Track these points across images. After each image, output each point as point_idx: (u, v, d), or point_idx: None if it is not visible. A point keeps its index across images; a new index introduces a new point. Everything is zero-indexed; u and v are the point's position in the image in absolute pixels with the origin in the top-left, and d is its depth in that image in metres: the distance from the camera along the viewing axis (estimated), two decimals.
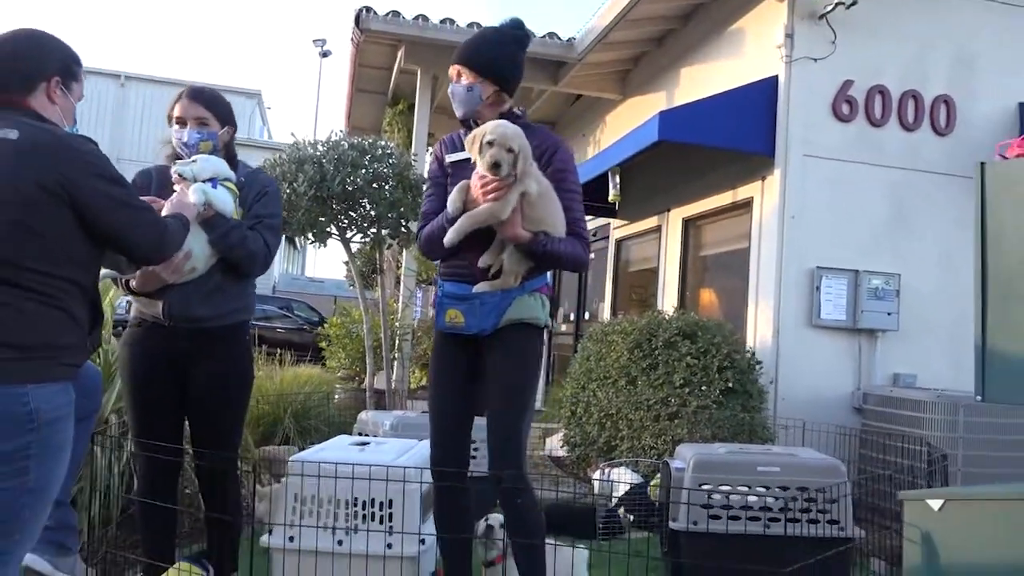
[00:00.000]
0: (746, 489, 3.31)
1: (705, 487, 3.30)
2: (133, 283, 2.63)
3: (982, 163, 1.76)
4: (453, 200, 2.59)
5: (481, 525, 2.90)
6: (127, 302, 2.98)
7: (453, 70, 2.72)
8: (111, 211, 2.02)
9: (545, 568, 2.58)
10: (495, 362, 2.61)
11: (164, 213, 2.46)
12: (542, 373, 10.07)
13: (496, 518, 2.88)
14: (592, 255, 10.18)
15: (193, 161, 2.65)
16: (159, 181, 2.82)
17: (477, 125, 2.67)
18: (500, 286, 2.58)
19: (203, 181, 2.62)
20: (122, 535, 3.42)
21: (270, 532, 2.83)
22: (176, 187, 2.65)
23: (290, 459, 2.83)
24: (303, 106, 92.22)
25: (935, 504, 1.72)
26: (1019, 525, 1.56)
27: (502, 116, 2.70)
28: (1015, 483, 1.66)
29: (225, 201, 2.66)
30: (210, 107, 2.80)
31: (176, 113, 2.78)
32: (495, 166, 2.47)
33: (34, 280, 1.93)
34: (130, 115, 30.67)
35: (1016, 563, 1.55)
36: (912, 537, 1.76)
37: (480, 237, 2.58)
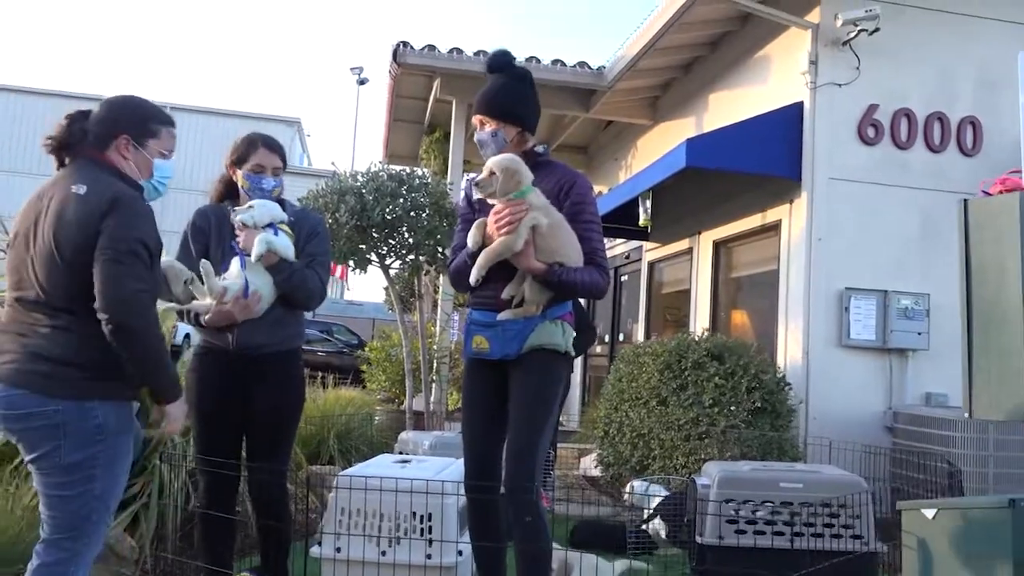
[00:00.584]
0: (770, 505, 3.43)
1: (730, 504, 3.43)
2: (204, 319, 2.89)
3: (964, 200, 1.93)
4: (472, 235, 2.83)
5: None
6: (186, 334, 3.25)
7: (476, 120, 2.94)
8: (102, 251, 2.22)
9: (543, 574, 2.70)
10: (516, 385, 2.78)
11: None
12: (578, 394, 10.23)
13: None
14: (625, 277, 10.35)
15: (250, 207, 2.91)
16: (217, 220, 3.10)
17: None
18: (522, 314, 2.76)
19: (263, 227, 2.88)
20: (183, 546, 3.66)
21: (319, 543, 3.05)
22: (239, 233, 2.92)
23: (338, 475, 3.05)
24: (341, 132, 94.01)
25: (929, 513, 1.86)
26: (996, 529, 1.71)
27: (524, 155, 2.90)
28: (1005, 494, 1.80)
29: (287, 247, 2.95)
30: (282, 157, 3.14)
31: (257, 161, 3.05)
32: (477, 185, 2.77)
33: (92, 311, 2.21)
34: (176, 144, 31.69)
35: (993, 561, 1.70)
36: (909, 543, 1.91)
37: (504, 268, 2.77)
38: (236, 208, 2.97)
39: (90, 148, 2.37)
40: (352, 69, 31.36)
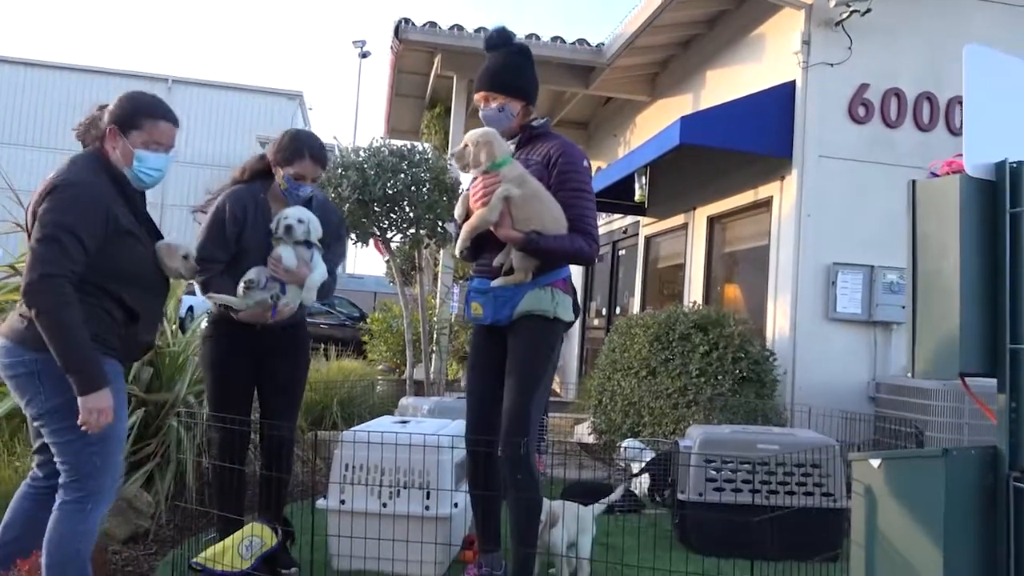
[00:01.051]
0: (748, 465, 3.65)
1: (711, 463, 3.65)
2: (237, 315, 3.12)
3: (912, 180, 2.11)
4: (457, 208, 3.01)
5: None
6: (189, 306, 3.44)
7: (479, 96, 3.07)
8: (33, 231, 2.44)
9: (533, 529, 2.91)
10: (510, 350, 2.96)
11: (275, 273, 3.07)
12: (575, 366, 10.44)
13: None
14: (622, 251, 10.54)
15: (300, 221, 3.10)
16: (254, 206, 3.20)
17: (518, 144, 3.07)
18: (512, 281, 2.91)
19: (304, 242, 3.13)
20: (198, 501, 3.89)
21: (325, 496, 3.27)
22: (277, 270, 3.11)
23: (342, 433, 3.27)
24: (344, 106, 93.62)
25: (875, 463, 2.07)
26: (927, 477, 1.93)
27: (525, 127, 3.06)
28: (945, 447, 2.01)
29: (322, 273, 3.19)
30: (324, 166, 3.27)
31: (299, 170, 3.15)
32: (454, 157, 2.97)
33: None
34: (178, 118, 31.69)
35: (925, 505, 1.92)
36: (858, 490, 2.12)
37: (498, 238, 2.93)
38: (278, 236, 3.12)
39: (96, 138, 2.61)
40: (354, 42, 31.34)
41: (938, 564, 1.93)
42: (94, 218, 2.46)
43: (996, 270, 2.02)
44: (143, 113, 2.62)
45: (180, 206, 28.74)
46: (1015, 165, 2.04)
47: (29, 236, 2.50)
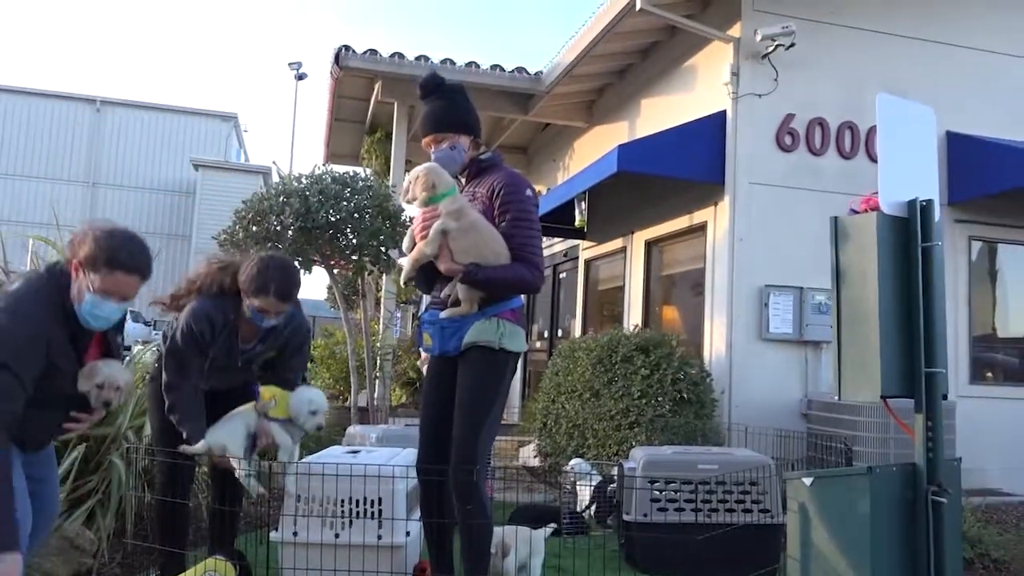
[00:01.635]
0: (690, 484, 3.79)
1: (654, 484, 3.78)
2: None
3: (835, 217, 2.29)
4: (404, 242, 3.09)
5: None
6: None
7: (427, 141, 3.13)
8: None
9: (484, 556, 2.94)
10: (459, 381, 3.00)
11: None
12: (518, 389, 10.49)
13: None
14: (563, 275, 10.71)
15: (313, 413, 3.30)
16: (222, 325, 3.19)
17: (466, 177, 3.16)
18: (458, 312, 2.97)
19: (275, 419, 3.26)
20: (140, 537, 3.83)
21: (276, 528, 3.28)
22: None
23: (292, 463, 3.28)
24: (279, 127, 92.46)
25: (807, 481, 2.22)
26: (854, 493, 2.08)
27: (473, 161, 3.14)
28: (867, 464, 2.17)
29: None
30: (292, 302, 3.22)
31: (263, 306, 3.11)
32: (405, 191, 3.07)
33: None
34: (106, 139, 30.93)
35: (853, 519, 2.07)
36: (792, 507, 2.26)
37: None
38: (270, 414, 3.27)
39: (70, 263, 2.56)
40: (290, 64, 31.03)
41: (867, 571, 2.07)
42: (26, 351, 2.38)
43: (911, 299, 2.20)
44: (106, 262, 2.49)
45: None
46: (924, 203, 2.23)
47: None
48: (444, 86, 3.18)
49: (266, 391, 3.28)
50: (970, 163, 6.71)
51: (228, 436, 3.17)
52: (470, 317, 2.98)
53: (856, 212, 2.28)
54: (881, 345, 2.10)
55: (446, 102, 3.15)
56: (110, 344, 2.72)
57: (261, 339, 3.28)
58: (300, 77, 31.52)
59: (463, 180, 3.19)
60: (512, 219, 2.98)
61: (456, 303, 3.00)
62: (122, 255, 2.51)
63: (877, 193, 2.24)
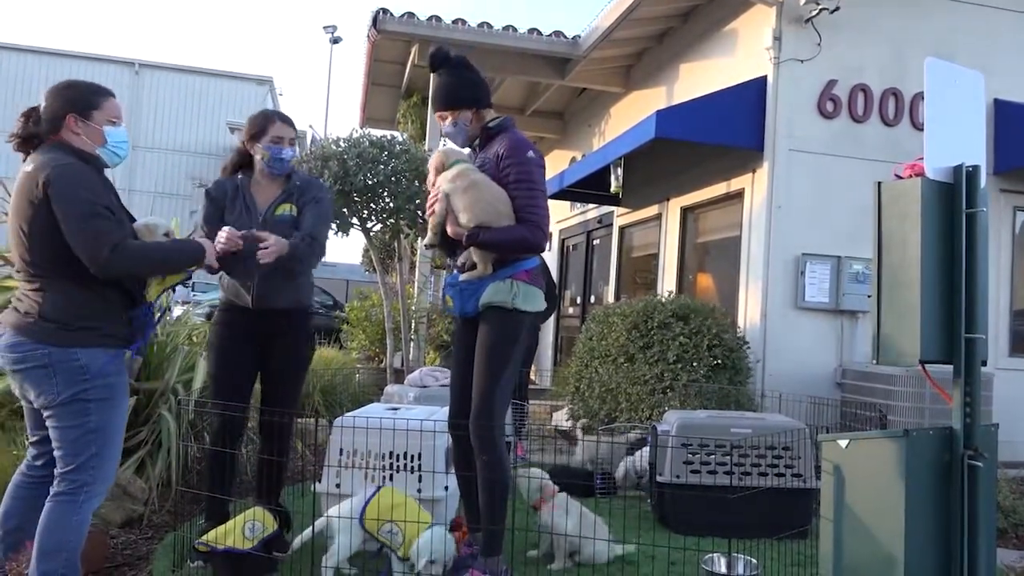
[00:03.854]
0: (722, 447, 3.84)
1: (687, 447, 3.83)
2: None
3: (878, 182, 2.28)
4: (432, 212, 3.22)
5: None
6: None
7: (437, 117, 3.31)
8: (60, 219, 2.52)
9: (499, 507, 3.06)
10: (477, 340, 3.14)
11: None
12: (550, 354, 10.60)
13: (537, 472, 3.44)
14: (596, 241, 10.71)
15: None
16: (232, 191, 3.38)
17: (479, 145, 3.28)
18: (474, 275, 3.13)
19: None
20: (187, 485, 3.99)
21: (319, 480, 3.39)
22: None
23: (341, 418, 3.40)
24: (314, 91, 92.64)
25: (843, 443, 2.25)
26: (889, 456, 2.11)
27: (484, 128, 3.24)
28: (906, 428, 2.19)
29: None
30: (294, 129, 3.45)
31: (275, 133, 3.33)
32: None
33: (54, 271, 2.55)
34: (144, 102, 31.25)
35: (888, 482, 2.10)
36: (827, 469, 2.29)
37: None
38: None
39: (46, 134, 2.65)
40: (325, 28, 31.05)
41: (900, 534, 2.11)
42: (100, 188, 2.61)
43: (953, 265, 2.20)
44: (95, 93, 2.72)
45: (148, 192, 28.46)
46: (971, 169, 2.22)
47: (22, 234, 2.55)
48: (449, 60, 3.27)
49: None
50: (1017, 132, 6.55)
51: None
52: (486, 279, 3.11)
53: (900, 178, 2.27)
54: (922, 310, 2.11)
55: (448, 78, 3.26)
56: None
57: (282, 199, 3.37)
58: (335, 41, 31.54)
59: (478, 149, 3.31)
60: (514, 181, 3.10)
61: (473, 267, 3.14)
62: (101, 86, 2.75)
63: (922, 159, 2.23)
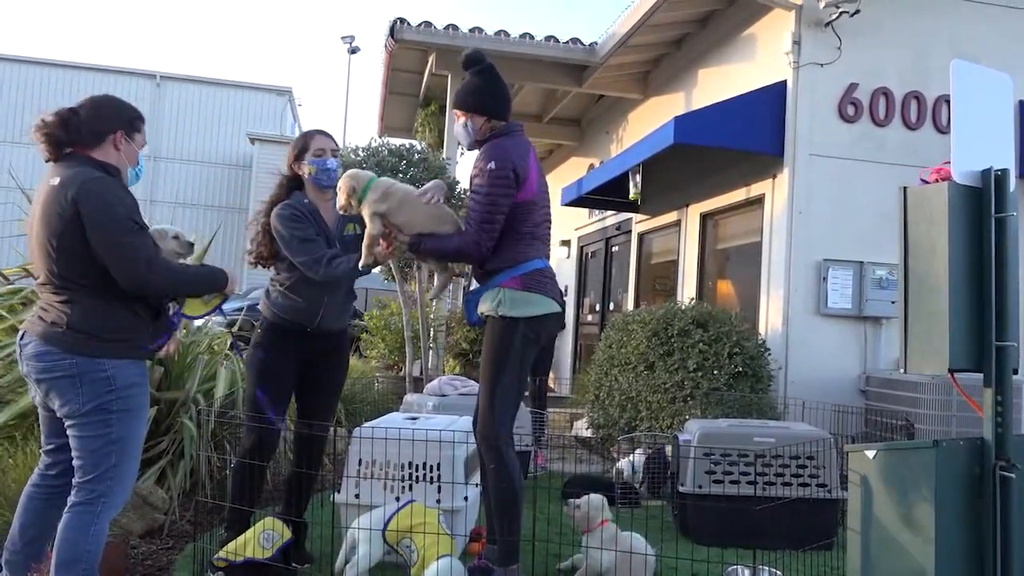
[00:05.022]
0: (745, 457, 3.78)
1: (709, 456, 3.78)
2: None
3: (904, 187, 2.24)
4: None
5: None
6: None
7: (454, 114, 3.34)
8: (94, 237, 2.53)
9: (510, 518, 3.03)
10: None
11: None
12: (569, 362, 10.53)
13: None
14: (615, 248, 10.67)
15: None
16: (309, 211, 3.36)
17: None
18: (439, 285, 3.47)
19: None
20: (210, 495, 3.99)
21: (337, 490, 3.38)
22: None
23: (361, 428, 3.39)
24: (333, 101, 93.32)
25: (870, 454, 2.20)
26: (919, 467, 2.06)
27: (489, 138, 3.22)
28: (931, 439, 2.14)
29: None
30: (334, 140, 3.48)
31: (318, 146, 3.36)
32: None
33: (85, 285, 2.56)
34: (166, 114, 31.57)
35: (917, 494, 2.05)
36: (854, 480, 2.25)
37: None
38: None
39: (83, 145, 2.65)
40: (343, 38, 31.24)
41: (930, 548, 2.06)
42: (133, 202, 2.66)
43: (982, 271, 2.15)
44: (140, 117, 2.80)
45: (169, 203, 28.71)
46: (999, 172, 2.17)
47: (50, 247, 2.54)
48: (478, 63, 3.29)
49: None
50: None
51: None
52: (480, 289, 3.21)
53: (926, 182, 2.23)
54: (950, 318, 2.06)
55: (472, 81, 3.29)
56: None
57: (346, 219, 3.44)
58: (353, 51, 31.73)
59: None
60: (471, 190, 3.18)
61: (480, 277, 3.23)
62: (138, 111, 2.81)
63: (948, 163, 2.19)
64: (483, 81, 3.26)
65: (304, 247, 3.22)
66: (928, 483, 2.08)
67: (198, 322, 5.47)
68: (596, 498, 3.33)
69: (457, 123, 3.31)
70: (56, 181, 2.57)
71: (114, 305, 2.60)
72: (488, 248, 3.10)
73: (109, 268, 2.54)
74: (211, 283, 2.85)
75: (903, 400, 5.47)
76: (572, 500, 3.37)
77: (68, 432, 2.62)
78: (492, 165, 3.12)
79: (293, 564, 3.26)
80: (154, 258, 2.62)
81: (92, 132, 2.66)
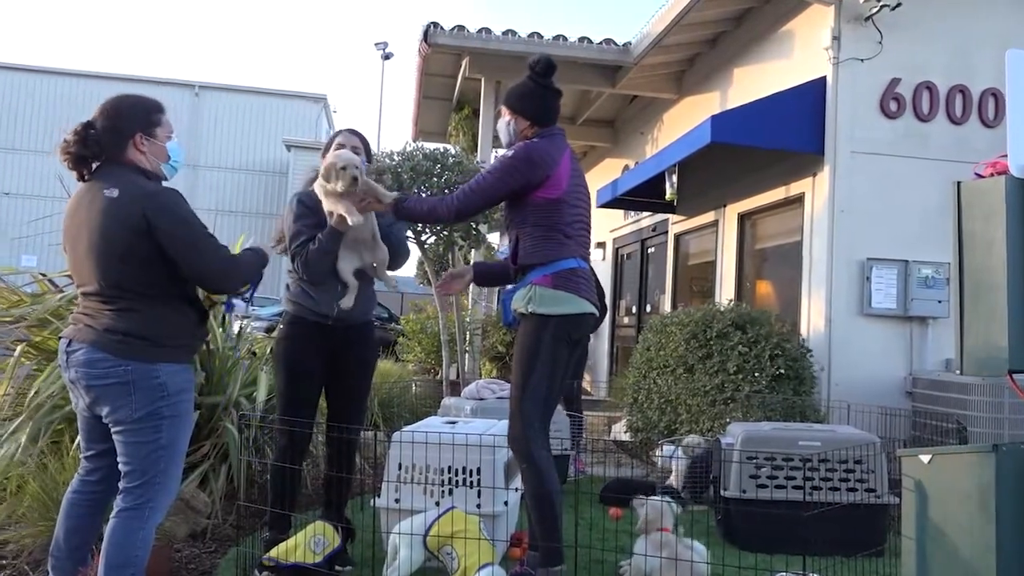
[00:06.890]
0: (790, 461, 3.70)
1: (752, 460, 3.71)
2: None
3: (958, 182, 2.16)
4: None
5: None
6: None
7: (499, 109, 3.34)
8: (176, 248, 2.57)
9: (548, 520, 2.98)
10: None
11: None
12: (606, 364, 10.47)
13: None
14: (652, 249, 10.56)
15: None
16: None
17: None
18: (382, 278, 3.48)
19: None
20: (251, 499, 4.01)
21: (377, 495, 3.38)
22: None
23: (401, 431, 3.38)
24: (367, 107, 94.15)
25: (925, 458, 2.12)
26: (977, 472, 1.98)
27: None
28: (987, 442, 2.06)
29: None
30: (362, 140, 3.57)
31: (340, 142, 3.47)
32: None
33: (146, 293, 2.59)
34: (204, 122, 32.09)
35: (976, 499, 1.97)
36: (908, 485, 2.17)
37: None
38: None
39: (110, 154, 2.66)
40: (377, 44, 31.54)
41: (991, 555, 1.98)
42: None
43: None
44: (155, 109, 2.76)
45: (209, 210, 29.17)
46: None
47: (114, 256, 2.55)
48: (541, 69, 3.28)
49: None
50: None
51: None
52: (513, 288, 3.19)
53: (981, 176, 2.15)
54: (1010, 316, 1.98)
55: (528, 84, 3.29)
56: None
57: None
58: (386, 57, 32.00)
59: None
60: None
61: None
62: (153, 101, 2.78)
63: (1004, 156, 2.11)
64: (536, 87, 3.27)
65: (291, 243, 3.36)
66: (988, 488, 2.00)
67: (236, 326, 5.53)
68: (659, 504, 3.26)
69: (501, 119, 3.32)
70: (114, 193, 2.55)
71: (168, 310, 2.64)
72: (456, 212, 3.19)
73: (189, 272, 2.61)
74: (264, 261, 2.91)
75: (952, 402, 5.33)
76: (642, 496, 3.33)
77: (116, 438, 2.64)
78: (518, 152, 3.15)
79: (336, 567, 3.27)
80: (230, 260, 2.70)
81: (109, 142, 2.65)
